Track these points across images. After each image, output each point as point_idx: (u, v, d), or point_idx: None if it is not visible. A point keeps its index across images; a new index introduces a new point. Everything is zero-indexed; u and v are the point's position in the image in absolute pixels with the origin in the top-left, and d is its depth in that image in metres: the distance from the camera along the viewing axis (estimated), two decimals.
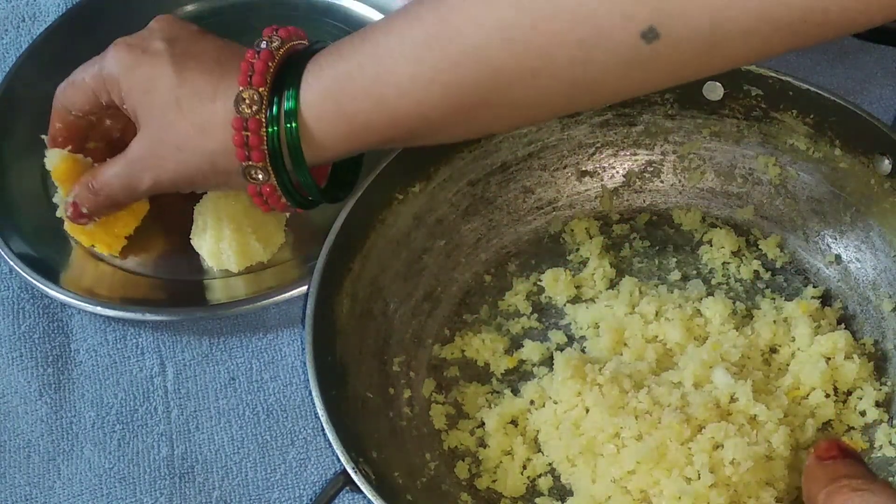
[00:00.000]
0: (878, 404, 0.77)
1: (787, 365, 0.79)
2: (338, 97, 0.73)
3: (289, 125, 0.74)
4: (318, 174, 0.81)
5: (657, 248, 0.86)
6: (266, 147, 0.74)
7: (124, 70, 0.79)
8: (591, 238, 0.86)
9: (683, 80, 0.70)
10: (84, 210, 0.84)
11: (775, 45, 0.65)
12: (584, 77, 0.68)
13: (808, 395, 0.77)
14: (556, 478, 0.76)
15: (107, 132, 0.88)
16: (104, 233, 0.87)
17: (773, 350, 0.80)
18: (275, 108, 0.74)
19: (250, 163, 0.75)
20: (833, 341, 0.78)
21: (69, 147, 0.86)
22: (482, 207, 0.86)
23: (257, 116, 0.74)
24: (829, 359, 0.78)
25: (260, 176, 0.76)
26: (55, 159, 0.85)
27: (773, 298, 0.82)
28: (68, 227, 0.88)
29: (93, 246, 0.88)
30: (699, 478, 0.71)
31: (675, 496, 0.71)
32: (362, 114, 0.73)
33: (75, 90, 0.83)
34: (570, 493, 0.75)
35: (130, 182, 0.81)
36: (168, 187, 0.80)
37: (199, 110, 0.76)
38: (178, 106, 0.76)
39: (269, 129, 0.74)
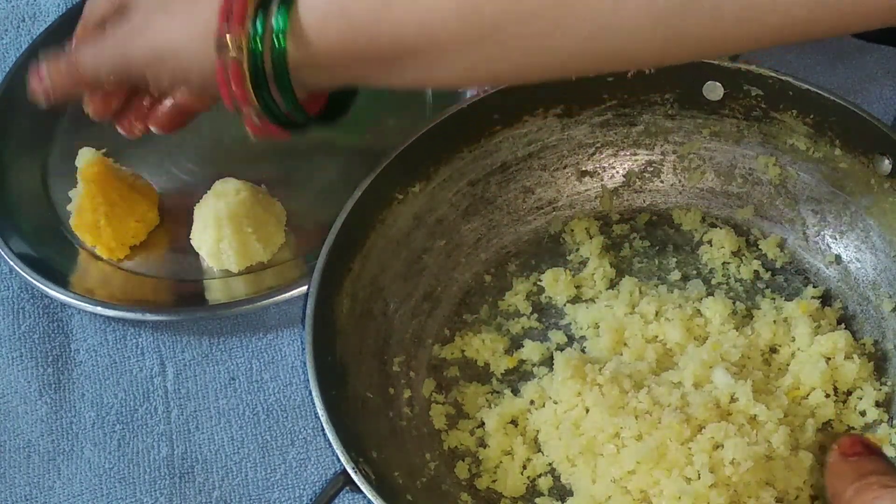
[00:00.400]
0: (878, 404, 0.77)
1: (787, 365, 0.79)
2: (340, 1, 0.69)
3: (277, 44, 0.69)
4: (313, 104, 0.77)
5: (657, 248, 0.86)
6: (248, 23, 0.69)
7: None
8: (591, 238, 0.86)
9: (709, 53, 0.65)
10: (45, 78, 0.77)
11: (818, 22, 0.61)
12: (610, 24, 0.64)
13: (807, 395, 0.77)
14: (556, 478, 0.76)
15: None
16: (112, 237, 0.87)
17: (773, 350, 0.80)
18: (259, 26, 0.70)
19: (228, 33, 0.70)
20: (833, 341, 0.78)
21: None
22: (482, 207, 0.86)
23: None
24: (829, 359, 0.78)
25: (234, 52, 0.70)
26: (88, 157, 0.85)
27: (774, 298, 0.82)
28: (74, 225, 0.88)
29: (94, 247, 0.88)
30: (699, 478, 0.71)
31: (675, 496, 0.71)
32: (364, 18, 0.68)
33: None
34: (570, 493, 0.75)
35: (100, 47, 0.76)
36: (138, 66, 0.75)
37: None
38: None
39: (254, 46, 0.70)
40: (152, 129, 0.81)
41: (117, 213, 0.87)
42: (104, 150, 0.87)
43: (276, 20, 0.69)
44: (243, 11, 0.70)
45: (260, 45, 0.70)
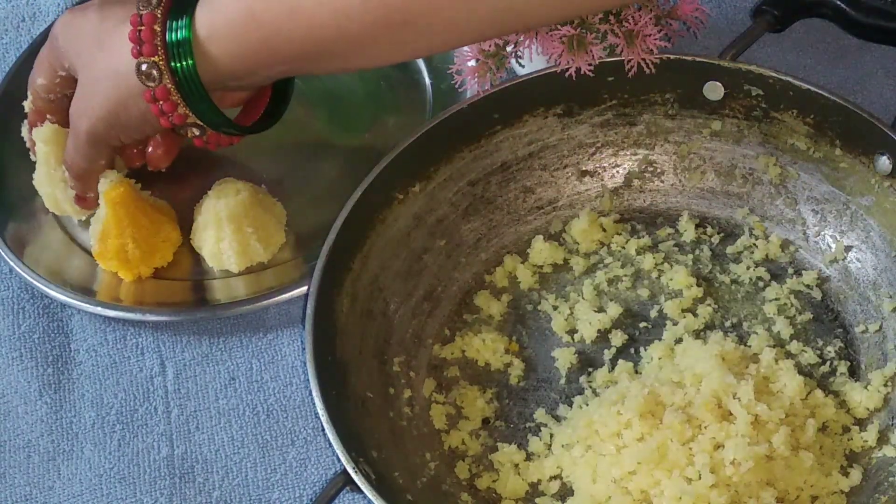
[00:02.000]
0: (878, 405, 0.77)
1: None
2: (251, 4, 0.71)
3: (183, 59, 0.73)
4: (253, 110, 0.82)
5: (657, 247, 0.86)
6: (159, 42, 0.73)
7: (63, 28, 0.80)
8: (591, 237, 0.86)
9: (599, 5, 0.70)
10: (78, 191, 0.85)
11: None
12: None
13: (807, 396, 0.77)
14: (556, 478, 0.76)
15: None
16: (141, 261, 0.86)
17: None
18: (173, 35, 0.73)
19: (142, 58, 0.74)
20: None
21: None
22: (482, 207, 0.86)
23: (153, 12, 0.73)
24: (828, 360, 0.78)
25: (154, 73, 0.74)
26: (111, 179, 0.84)
27: (775, 299, 0.82)
28: (97, 253, 0.87)
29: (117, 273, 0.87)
30: (700, 478, 0.71)
31: (675, 497, 0.71)
32: (276, 22, 0.70)
33: (37, 66, 0.84)
34: (571, 493, 0.75)
35: (75, 137, 0.81)
36: (104, 132, 0.79)
37: (113, 36, 0.76)
38: (99, 41, 0.77)
39: (172, 62, 0.74)
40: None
41: (144, 235, 0.85)
42: (125, 172, 0.86)
43: (178, 33, 0.73)
44: (150, 34, 0.73)
45: (175, 59, 0.73)
